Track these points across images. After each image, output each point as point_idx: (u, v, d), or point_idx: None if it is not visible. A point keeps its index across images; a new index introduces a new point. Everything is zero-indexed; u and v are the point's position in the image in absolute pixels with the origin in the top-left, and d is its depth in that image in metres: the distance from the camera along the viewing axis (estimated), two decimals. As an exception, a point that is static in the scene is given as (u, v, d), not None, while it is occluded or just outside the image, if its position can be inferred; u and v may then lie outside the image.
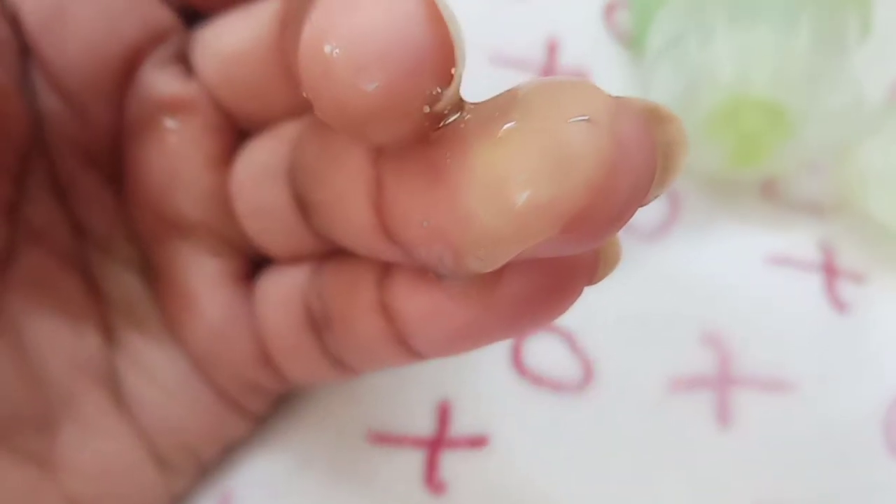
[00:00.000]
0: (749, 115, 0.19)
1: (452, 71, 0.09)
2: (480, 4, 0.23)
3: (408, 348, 0.13)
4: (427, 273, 0.12)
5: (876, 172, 0.20)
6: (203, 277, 0.15)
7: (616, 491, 0.18)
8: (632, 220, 0.10)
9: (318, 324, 0.14)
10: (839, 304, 0.20)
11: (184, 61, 0.15)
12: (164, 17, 0.15)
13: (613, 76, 0.23)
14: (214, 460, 0.17)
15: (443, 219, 0.10)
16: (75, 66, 0.14)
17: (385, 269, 0.13)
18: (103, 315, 0.16)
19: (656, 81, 0.20)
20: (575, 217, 0.09)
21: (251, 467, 0.18)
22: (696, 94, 0.19)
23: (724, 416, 0.19)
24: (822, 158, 0.21)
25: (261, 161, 0.15)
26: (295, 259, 0.15)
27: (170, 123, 0.15)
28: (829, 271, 0.21)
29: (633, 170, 0.09)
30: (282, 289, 0.15)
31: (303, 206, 0.14)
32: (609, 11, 0.24)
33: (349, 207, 0.12)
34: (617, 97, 0.09)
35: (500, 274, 0.11)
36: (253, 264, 0.16)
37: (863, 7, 0.20)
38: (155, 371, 0.16)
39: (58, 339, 0.15)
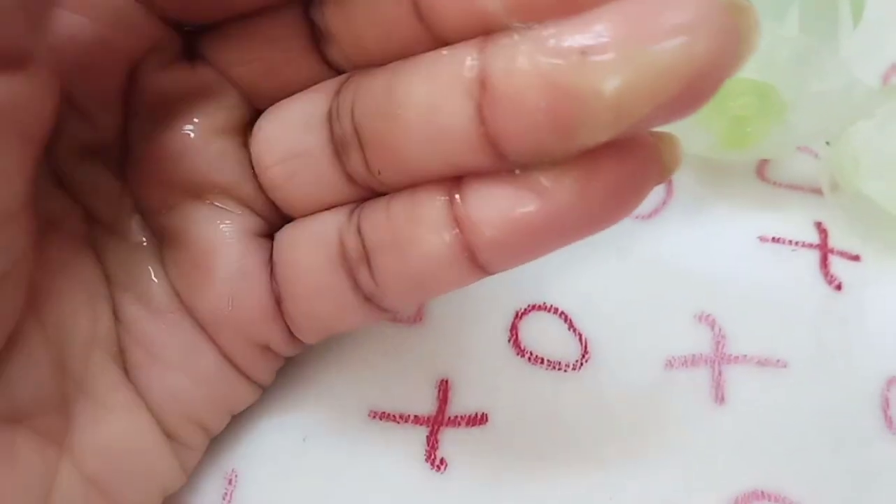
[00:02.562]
0: (739, 98, 0.19)
1: None
2: None
3: (474, 263, 0.14)
4: (507, 176, 0.13)
5: (870, 155, 0.20)
6: (218, 234, 0.16)
7: (613, 468, 0.18)
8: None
9: (352, 262, 0.15)
10: (834, 283, 0.21)
11: (185, 58, 0.16)
12: (157, 28, 0.15)
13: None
14: (220, 430, 0.18)
15: (562, 101, 0.11)
16: (73, 74, 0.15)
17: (454, 188, 0.13)
18: (110, 293, 0.16)
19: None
20: (678, 91, 0.11)
21: (255, 447, 0.18)
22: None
23: (719, 394, 0.19)
24: (816, 140, 0.22)
25: (295, 108, 0.15)
26: (319, 208, 0.16)
27: (182, 107, 0.16)
28: (824, 251, 0.21)
29: (722, 51, 0.11)
30: (310, 233, 0.16)
31: (343, 148, 0.15)
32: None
33: (440, 120, 0.13)
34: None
35: (592, 162, 0.12)
36: (268, 223, 0.16)
37: (854, -7, 0.20)
38: (159, 346, 0.16)
39: (75, 320, 0.16)
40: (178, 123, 0.16)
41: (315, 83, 0.15)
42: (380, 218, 0.14)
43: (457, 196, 0.13)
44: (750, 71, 0.18)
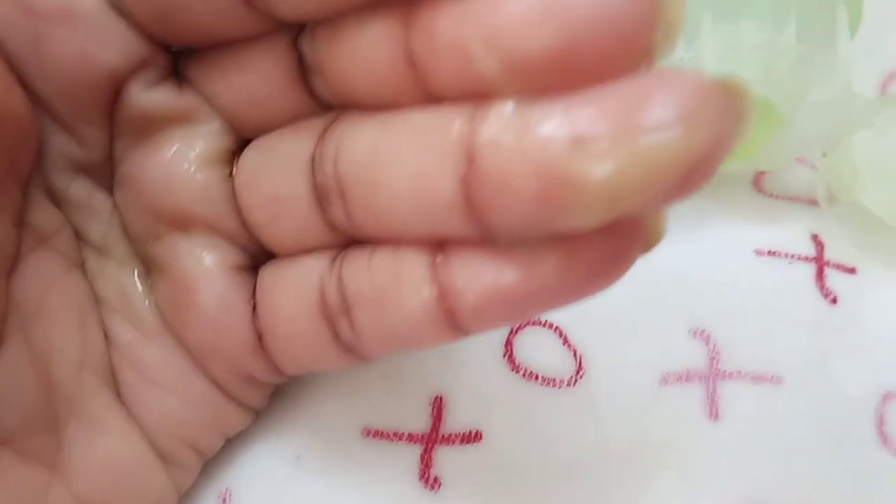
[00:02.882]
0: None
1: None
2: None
3: (453, 326, 0.14)
4: (490, 247, 0.13)
5: (868, 165, 0.20)
6: (201, 268, 0.16)
7: (608, 484, 0.18)
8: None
9: (333, 312, 0.15)
10: (830, 297, 0.21)
11: (172, 80, 0.15)
12: (141, 45, 0.15)
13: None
14: (214, 453, 0.18)
15: (550, 186, 0.11)
16: (58, 92, 0.15)
17: (437, 249, 0.13)
18: (101, 315, 0.16)
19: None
20: (670, 181, 0.11)
21: (249, 465, 0.18)
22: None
23: (714, 409, 0.19)
24: (813, 151, 0.21)
25: (278, 150, 0.15)
26: (303, 251, 0.15)
27: (166, 133, 0.15)
28: (820, 263, 0.21)
29: (717, 137, 0.11)
30: (292, 278, 0.15)
31: (324, 197, 0.14)
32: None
33: (424, 190, 0.13)
34: (704, 75, 0.11)
35: (576, 240, 0.12)
36: (252, 257, 0.16)
37: (852, 3, 0.20)
38: (151, 368, 0.16)
39: (64, 340, 0.15)
40: (163, 149, 0.15)
41: (301, 116, 0.15)
42: (361, 271, 0.14)
43: (439, 259, 0.13)
44: (748, 83, 0.18)
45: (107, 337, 0.16)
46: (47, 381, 0.15)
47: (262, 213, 0.15)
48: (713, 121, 0.11)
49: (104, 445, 0.16)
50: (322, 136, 0.14)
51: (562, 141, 0.11)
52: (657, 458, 0.19)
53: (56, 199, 0.16)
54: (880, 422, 0.19)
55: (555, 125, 0.11)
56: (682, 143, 0.11)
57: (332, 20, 0.13)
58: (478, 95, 0.12)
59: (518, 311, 0.13)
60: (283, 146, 0.15)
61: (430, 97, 0.13)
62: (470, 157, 0.12)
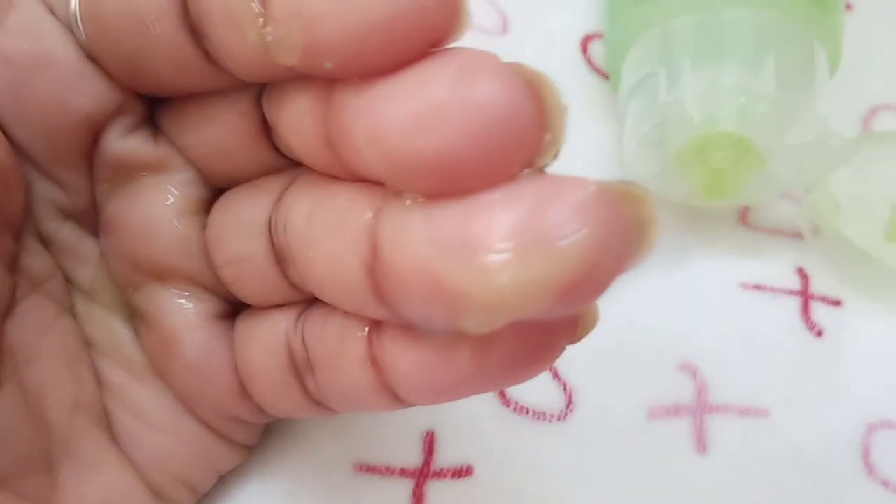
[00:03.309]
0: (718, 152, 0.19)
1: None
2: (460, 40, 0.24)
3: (394, 397, 0.14)
4: (416, 330, 0.13)
5: (849, 200, 0.21)
6: (182, 319, 0.16)
7: (598, 517, 0.18)
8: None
9: (300, 368, 0.15)
10: (815, 330, 0.21)
11: (148, 127, 0.16)
12: (115, 93, 0.15)
13: (590, 108, 0.23)
14: (208, 489, 0.18)
15: (442, 291, 0.11)
16: (39, 139, 0.15)
17: (374, 323, 0.13)
18: (92, 358, 0.16)
19: (628, 118, 0.20)
20: (562, 291, 0.10)
21: (243, 499, 0.18)
22: (666, 132, 0.19)
23: (701, 443, 0.19)
24: (796, 188, 0.22)
25: (239, 212, 0.15)
26: (271, 306, 0.16)
27: (142, 182, 0.16)
28: (805, 297, 0.21)
29: (613, 248, 0.10)
30: (263, 334, 0.16)
31: (282, 259, 0.15)
32: (586, 44, 0.24)
33: (342, 272, 0.13)
34: (598, 183, 0.10)
35: (491, 334, 0.12)
36: (231, 305, 0.16)
37: (831, 41, 0.20)
38: (143, 409, 0.16)
39: (57, 383, 0.16)
40: (140, 198, 0.16)
41: (269, 170, 0.15)
42: (317, 333, 0.14)
43: (375, 333, 0.13)
44: (728, 124, 0.19)
45: (99, 379, 0.16)
46: (41, 423, 0.15)
47: (229, 271, 0.15)
48: (606, 231, 0.10)
49: (98, 484, 0.16)
50: (279, 198, 0.15)
51: (449, 249, 0.11)
52: (646, 493, 0.19)
53: (47, 244, 0.16)
54: (865, 454, 0.19)
55: (445, 231, 0.11)
56: (573, 255, 0.10)
57: (279, 84, 0.14)
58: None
59: (445, 394, 0.13)
60: (243, 208, 0.15)
61: (356, 175, 0.13)
62: (373, 251, 0.12)
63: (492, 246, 0.11)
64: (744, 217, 0.23)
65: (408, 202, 0.12)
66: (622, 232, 0.10)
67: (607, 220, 0.10)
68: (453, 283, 0.11)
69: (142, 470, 0.16)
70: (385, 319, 0.13)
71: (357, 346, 0.13)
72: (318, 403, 0.15)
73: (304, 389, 0.15)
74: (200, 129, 0.15)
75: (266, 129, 0.15)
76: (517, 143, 0.11)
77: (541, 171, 0.11)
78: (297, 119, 0.13)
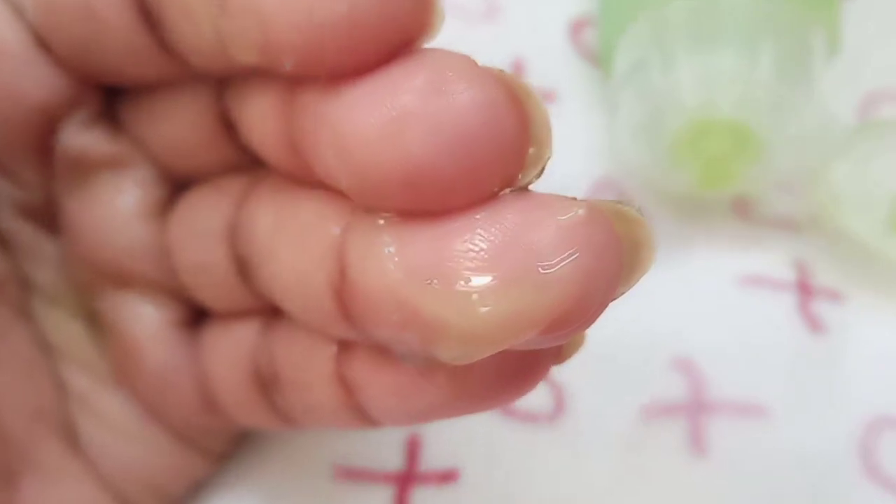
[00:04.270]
0: (715, 140, 0.18)
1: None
2: (445, 26, 0.23)
3: (365, 417, 0.13)
4: (388, 352, 0.12)
5: (849, 192, 0.20)
6: (144, 327, 0.15)
7: (590, 523, 0.18)
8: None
9: (267, 383, 0.14)
10: (814, 324, 0.20)
11: (106, 122, 0.15)
12: (70, 83, 0.14)
13: (581, 96, 0.23)
14: (182, 499, 0.17)
15: (416, 320, 0.10)
16: None
17: (343, 342, 0.13)
18: (53, 364, 0.16)
19: (622, 106, 0.19)
20: (550, 324, 0.10)
21: (219, 507, 0.18)
22: (661, 119, 0.18)
23: (697, 444, 0.19)
24: (794, 177, 0.21)
25: (199, 217, 0.14)
26: (236, 315, 0.15)
27: (100, 180, 0.15)
28: (804, 290, 0.21)
29: (605, 275, 0.10)
30: (227, 345, 0.15)
31: (245, 267, 0.14)
32: (576, 30, 0.24)
33: (307, 288, 0.12)
34: (588, 203, 0.10)
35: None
36: (195, 312, 0.15)
37: (829, 27, 0.20)
38: (109, 416, 0.16)
39: (15, 391, 0.15)
40: (98, 198, 0.15)
41: (231, 168, 0.14)
42: (284, 347, 0.14)
43: (344, 351, 0.12)
44: (725, 111, 0.18)
45: (61, 386, 0.16)
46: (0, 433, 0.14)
47: (189, 278, 0.15)
48: (597, 257, 0.09)
49: (61, 496, 0.15)
50: (241, 203, 0.14)
51: (423, 275, 0.10)
52: (641, 496, 0.18)
53: (4, 245, 0.15)
54: (866, 453, 0.19)
55: (415, 256, 0.10)
56: (561, 284, 0.09)
57: (242, 79, 0.13)
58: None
59: (418, 417, 0.12)
60: (203, 213, 0.14)
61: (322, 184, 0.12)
62: (341, 270, 0.11)
63: (471, 273, 0.10)
64: (740, 208, 0.22)
65: (380, 221, 0.11)
66: (614, 257, 0.10)
67: (598, 244, 0.10)
68: (428, 312, 0.10)
69: (108, 480, 0.16)
70: (355, 339, 0.12)
71: (325, 365, 0.13)
72: (287, 419, 0.14)
73: (272, 405, 0.14)
74: (160, 123, 0.14)
75: (229, 125, 0.14)
76: (496, 158, 0.10)
77: (524, 189, 0.10)
78: (259, 118, 0.12)
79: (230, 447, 0.17)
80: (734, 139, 0.19)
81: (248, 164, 0.14)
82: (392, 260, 0.10)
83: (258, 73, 0.12)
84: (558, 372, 0.19)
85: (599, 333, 0.20)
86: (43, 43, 0.14)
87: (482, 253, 0.10)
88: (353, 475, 0.18)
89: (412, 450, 0.18)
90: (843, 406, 0.19)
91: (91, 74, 0.14)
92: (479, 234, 0.10)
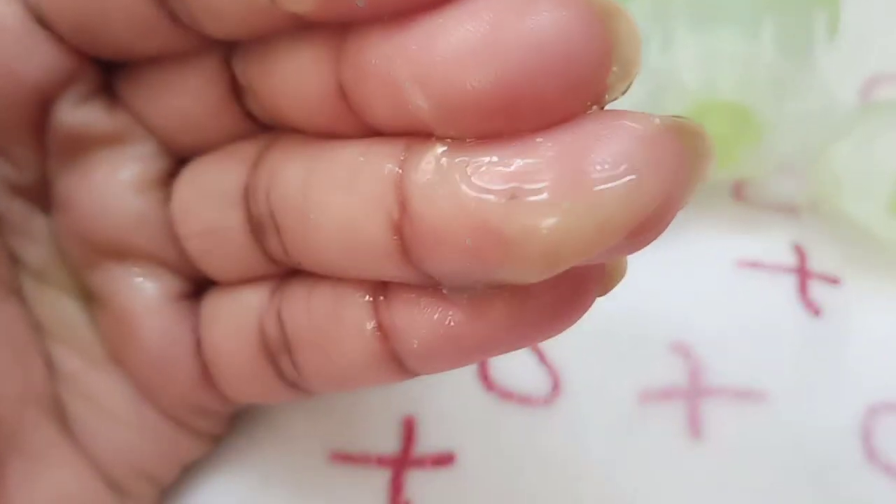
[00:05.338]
0: (716, 120, 0.18)
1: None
2: None
3: (399, 367, 0.13)
4: (433, 290, 0.12)
5: (850, 174, 0.20)
6: (140, 301, 0.15)
7: (587, 506, 0.18)
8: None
9: (273, 348, 0.14)
10: (813, 308, 0.20)
11: (104, 96, 0.14)
12: (67, 59, 0.14)
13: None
14: (173, 483, 0.17)
15: (493, 239, 0.10)
16: None
17: (379, 289, 0.12)
18: (43, 344, 0.15)
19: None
20: (634, 229, 0.10)
21: (211, 491, 0.17)
22: (661, 98, 0.18)
23: (695, 428, 0.18)
24: (795, 160, 0.21)
25: (210, 181, 0.14)
26: (243, 281, 0.14)
27: (98, 155, 0.14)
28: (803, 274, 0.21)
29: (682, 181, 0.10)
30: (231, 313, 0.14)
31: (260, 229, 0.13)
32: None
33: (358, 232, 0.12)
34: (661, 118, 0.10)
35: (527, 286, 0.11)
36: (194, 284, 0.15)
37: (830, 8, 0.20)
38: (100, 397, 0.15)
39: (3, 372, 0.15)
40: (95, 172, 0.14)
41: (237, 137, 0.14)
42: (301, 309, 0.13)
43: (381, 299, 0.12)
44: (726, 92, 0.18)
45: (51, 366, 0.15)
46: None
47: (197, 244, 0.14)
48: (666, 168, 0.10)
49: (51, 480, 0.15)
50: (255, 164, 0.13)
51: (498, 193, 0.10)
52: (638, 480, 0.18)
53: None
54: (866, 437, 0.19)
55: (491, 175, 0.10)
56: (632, 195, 0.10)
57: (263, 41, 0.12)
58: (414, 133, 0.11)
59: (467, 356, 0.12)
60: (214, 176, 0.14)
61: (367, 130, 0.12)
62: (402, 204, 0.11)
63: (543, 189, 0.10)
64: (739, 191, 0.22)
65: (443, 150, 0.11)
66: (689, 164, 0.10)
67: (675, 152, 0.10)
68: (511, 229, 0.10)
69: (99, 463, 0.15)
70: (403, 280, 0.12)
71: (358, 315, 0.12)
72: (293, 386, 0.14)
73: (278, 372, 0.14)
74: (163, 96, 0.14)
75: (235, 93, 0.13)
76: (586, 72, 0.10)
77: (602, 108, 0.10)
78: (292, 76, 0.12)
79: (223, 429, 0.17)
80: (734, 121, 0.18)
81: (254, 130, 0.14)
82: (465, 183, 0.10)
83: (291, 28, 0.12)
84: (555, 356, 0.19)
85: (597, 316, 0.20)
86: (43, 20, 0.13)
87: (558, 168, 0.10)
88: (349, 459, 0.18)
89: (408, 433, 0.18)
90: (843, 390, 0.19)
91: (93, 50, 0.14)
92: (555, 151, 0.10)
